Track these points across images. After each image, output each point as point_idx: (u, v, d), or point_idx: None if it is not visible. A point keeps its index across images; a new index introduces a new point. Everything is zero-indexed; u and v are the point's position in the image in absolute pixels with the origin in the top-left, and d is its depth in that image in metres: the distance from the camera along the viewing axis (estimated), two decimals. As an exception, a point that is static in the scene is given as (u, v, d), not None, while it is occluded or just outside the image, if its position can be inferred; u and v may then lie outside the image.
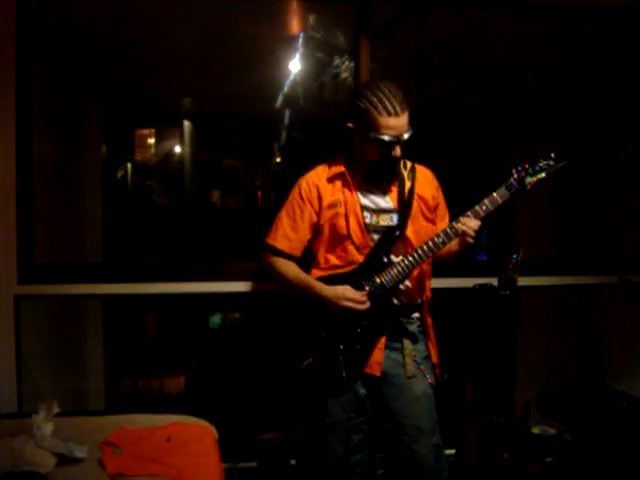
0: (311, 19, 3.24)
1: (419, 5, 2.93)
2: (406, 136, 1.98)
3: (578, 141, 3.94)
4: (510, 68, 3.89)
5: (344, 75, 3.64)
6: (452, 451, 2.54)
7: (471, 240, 2.01)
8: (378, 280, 2.03)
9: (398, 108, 1.93)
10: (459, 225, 2.00)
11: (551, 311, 4.00)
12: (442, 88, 4.19)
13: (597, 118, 3.85)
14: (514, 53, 3.59)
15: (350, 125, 2.03)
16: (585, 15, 3.07)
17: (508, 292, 2.36)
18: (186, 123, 5.30)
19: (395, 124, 1.94)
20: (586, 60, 3.67)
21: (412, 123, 2.01)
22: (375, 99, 1.94)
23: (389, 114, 1.93)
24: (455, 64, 3.81)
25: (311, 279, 2.08)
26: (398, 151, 1.99)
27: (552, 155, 2.05)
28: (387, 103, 1.93)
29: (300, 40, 3.46)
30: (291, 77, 3.92)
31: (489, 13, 3.03)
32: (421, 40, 3.01)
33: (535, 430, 3.03)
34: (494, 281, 2.46)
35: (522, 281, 2.38)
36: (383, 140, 1.95)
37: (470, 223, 1.99)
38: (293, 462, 2.88)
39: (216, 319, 5.04)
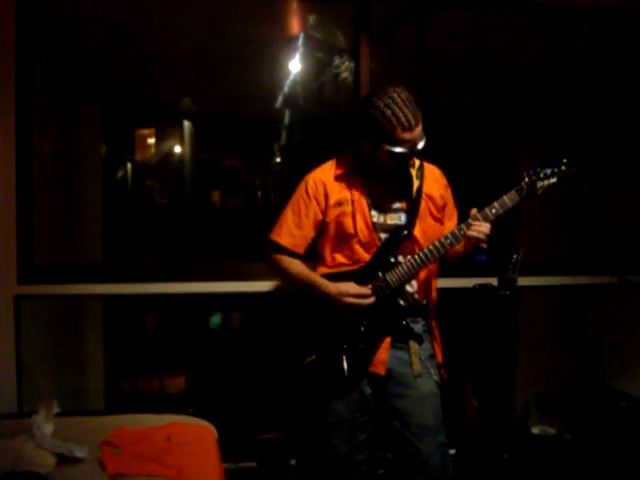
0: (311, 19, 3.24)
1: (419, 5, 2.93)
2: (420, 146, 1.96)
3: (579, 141, 3.94)
4: (511, 67, 3.90)
5: (344, 75, 3.64)
6: (452, 451, 2.54)
7: (484, 245, 2.00)
8: (384, 279, 2.02)
9: (413, 121, 1.88)
10: (471, 232, 1.98)
11: (551, 311, 4.00)
12: (442, 88, 4.19)
13: (598, 118, 3.85)
14: (514, 52, 3.60)
15: (362, 134, 2.00)
16: (584, 15, 3.07)
17: (508, 292, 2.36)
18: (186, 123, 5.29)
19: (410, 137, 1.91)
20: (587, 59, 3.67)
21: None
22: (389, 112, 1.88)
23: (404, 129, 1.89)
24: (455, 64, 3.81)
25: (315, 276, 2.07)
26: (411, 159, 1.99)
27: (564, 160, 2.03)
28: (401, 116, 1.87)
29: (300, 40, 3.45)
30: (291, 77, 3.92)
31: (489, 13, 3.04)
32: (421, 40, 3.01)
33: (535, 430, 3.03)
34: (494, 281, 2.46)
35: (522, 281, 2.38)
36: (397, 153, 1.93)
37: (481, 228, 1.97)
38: (293, 462, 2.88)
39: (216, 319, 5.04)
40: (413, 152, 1.96)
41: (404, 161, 1.99)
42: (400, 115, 1.87)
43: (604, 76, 3.71)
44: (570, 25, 3.18)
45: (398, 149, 1.92)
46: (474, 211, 2.02)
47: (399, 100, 1.88)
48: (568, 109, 4.17)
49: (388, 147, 1.92)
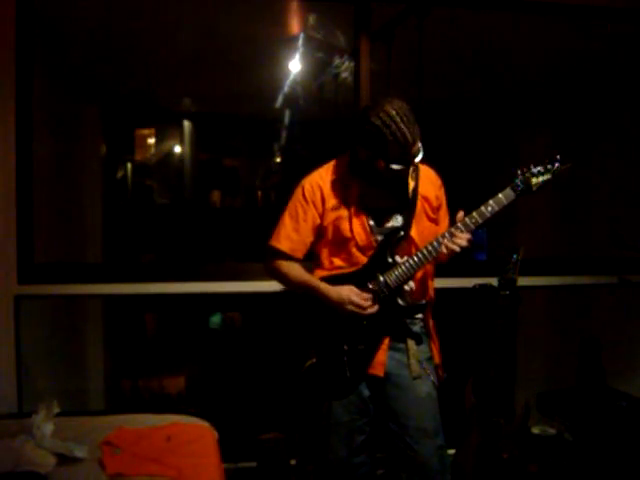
0: (311, 19, 3.25)
1: (419, 5, 2.93)
2: (416, 160, 1.95)
3: (579, 140, 3.94)
4: (511, 67, 3.90)
5: (344, 75, 3.64)
6: (452, 451, 2.54)
7: (457, 249, 1.98)
8: (383, 280, 2.01)
9: (410, 140, 1.86)
10: (450, 243, 1.96)
11: (551, 311, 4.01)
12: (442, 87, 4.19)
13: (598, 118, 3.86)
14: (514, 52, 3.60)
15: (359, 145, 1.98)
16: (584, 15, 3.08)
17: (508, 292, 2.36)
18: (186, 123, 5.29)
19: (406, 155, 1.90)
20: (587, 59, 3.67)
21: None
22: (387, 130, 1.85)
23: (401, 148, 1.87)
24: (455, 63, 3.81)
25: (316, 280, 2.06)
26: (407, 171, 1.99)
27: (557, 157, 2.04)
28: (399, 136, 1.85)
29: (300, 40, 3.45)
30: (291, 77, 3.92)
31: (489, 13, 3.04)
32: (421, 40, 3.01)
33: (535, 430, 3.03)
34: (494, 281, 2.46)
35: (522, 281, 2.38)
36: (394, 169, 1.92)
37: (460, 240, 1.96)
38: (293, 462, 2.88)
39: (216, 319, 5.04)
40: (409, 167, 1.97)
41: (399, 175, 1.99)
42: (398, 134, 1.85)
43: (604, 75, 3.71)
44: (569, 25, 3.19)
45: (394, 166, 1.91)
46: (461, 214, 2.01)
47: (397, 118, 1.85)
48: (568, 108, 4.18)
49: (384, 163, 1.91)
